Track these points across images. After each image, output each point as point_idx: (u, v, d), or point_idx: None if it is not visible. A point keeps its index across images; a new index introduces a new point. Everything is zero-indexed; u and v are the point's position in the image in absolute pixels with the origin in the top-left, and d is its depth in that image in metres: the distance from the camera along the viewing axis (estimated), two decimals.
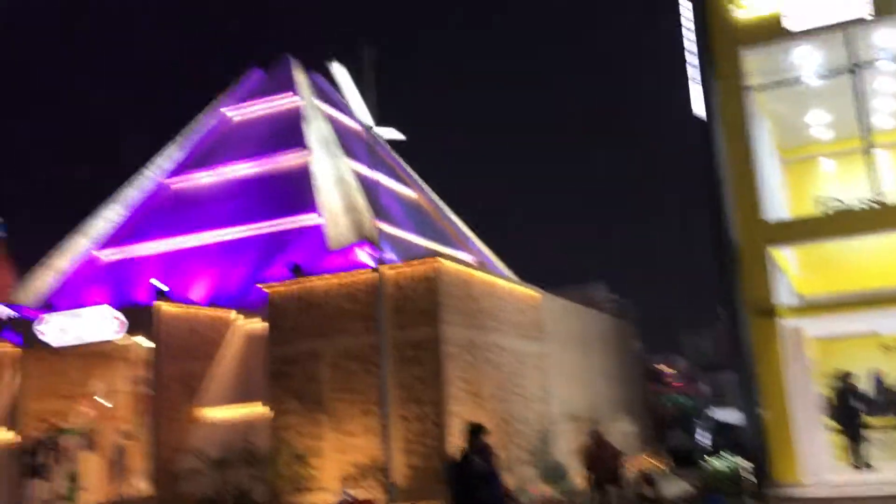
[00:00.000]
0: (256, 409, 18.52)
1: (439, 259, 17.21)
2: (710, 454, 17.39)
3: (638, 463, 20.50)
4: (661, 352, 51.30)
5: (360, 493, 15.34)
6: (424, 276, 17.04)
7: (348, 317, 17.50)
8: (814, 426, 15.72)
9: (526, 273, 31.90)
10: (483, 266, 29.13)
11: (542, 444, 20.48)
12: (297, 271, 18.75)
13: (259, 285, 18.78)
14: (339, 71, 13.18)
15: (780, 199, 22.07)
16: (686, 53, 17.31)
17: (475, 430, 8.66)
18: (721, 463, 15.74)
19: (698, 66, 16.87)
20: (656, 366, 46.87)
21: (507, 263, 30.54)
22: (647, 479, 16.02)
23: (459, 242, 29.67)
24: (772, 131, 21.34)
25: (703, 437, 31.15)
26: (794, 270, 19.70)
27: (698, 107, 16.81)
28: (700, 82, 16.81)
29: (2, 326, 25.19)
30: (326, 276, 18.07)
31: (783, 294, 19.15)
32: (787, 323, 16.15)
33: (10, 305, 24.59)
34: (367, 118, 13.99)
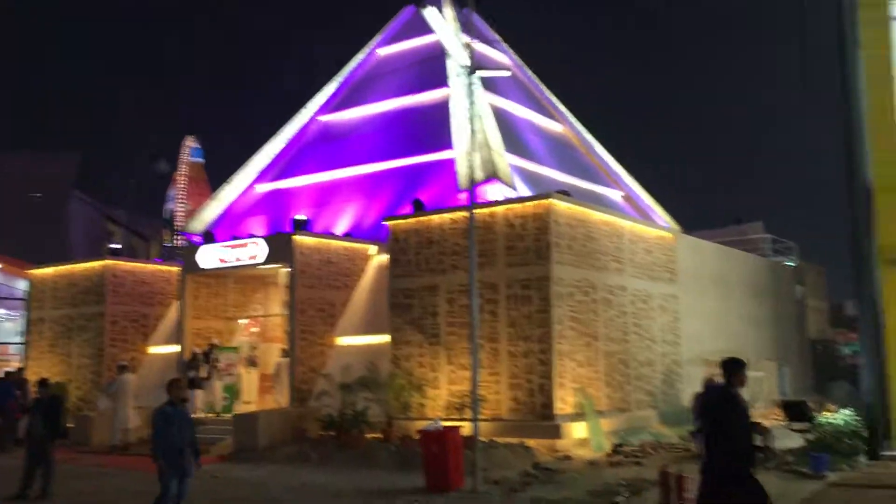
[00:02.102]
0: (384, 339, 19.51)
1: (552, 197, 17.12)
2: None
3: (761, 415, 19.67)
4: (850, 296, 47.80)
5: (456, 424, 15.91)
6: (536, 214, 17.07)
7: (464, 253, 17.89)
8: None
9: (680, 211, 30.92)
10: (630, 202, 28.52)
11: (667, 386, 20.17)
12: (419, 206, 19.33)
13: (383, 220, 19.55)
14: (431, 13, 13.24)
15: None
16: None
17: (736, 365, 7.51)
18: (840, 419, 14.87)
19: None
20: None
21: (660, 200, 29.61)
22: (759, 429, 15.39)
23: (608, 178, 29.11)
24: None
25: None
26: None
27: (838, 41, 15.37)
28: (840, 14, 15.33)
29: (176, 253, 27.95)
30: (444, 212, 18.51)
31: None
32: None
33: (181, 233, 27.16)
34: (466, 59, 13.98)
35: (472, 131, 14.61)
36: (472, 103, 13.76)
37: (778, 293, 26.98)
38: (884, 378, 14.33)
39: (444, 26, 13.83)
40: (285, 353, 21.38)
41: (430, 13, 13.42)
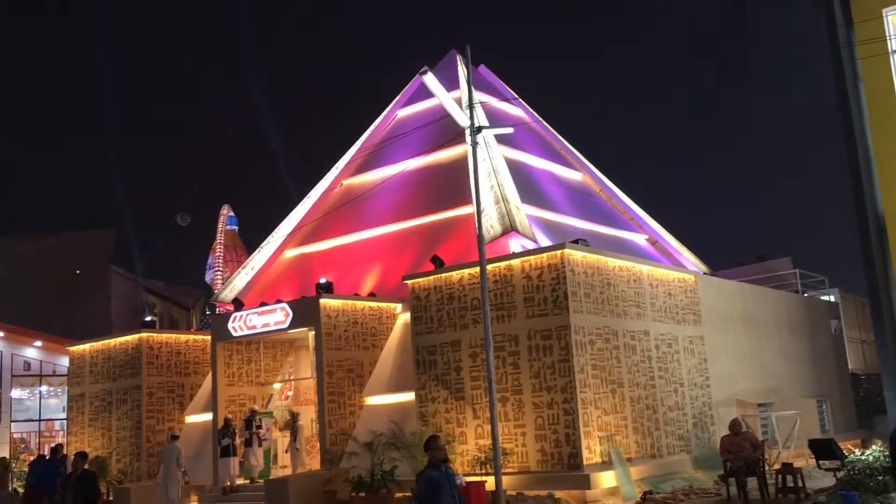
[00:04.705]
0: (412, 396, 19.65)
1: (566, 247, 17.29)
2: None
3: (790, 455, 19.29)
4: None
5: (482, 478, 15.95)
6: (552, 265, 17.24)
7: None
8: None
9: (707, 251, 30.78)
10: (655, 245, 28.52)
11: (699, 430, 19.93)
12: (438, 263, 19.62)
13: (403, 278, 19.86)
14: (430, 80, 13.69)
15: None
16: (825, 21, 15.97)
17: None
18: (870, 455, 14.63)
19: (837, 33, 15.53)
20: None
21: (685, 242, 29.58)
22: (790, 470, 15.22)
23: (632, 223, 29.18)
24: None
25: None
26: None
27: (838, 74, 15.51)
28: (839, 48, 15.49)
29: (206, 322, 28.51)
30: (463, 267, 18.76)
31: None
32: None
33: (213, 302, 27.77)
34: (469, 120, 14.42)
35: (489, 186, 14.87)
36: (477, 160, 14.12)
37: (813, 328, 26.58)
38: None
39: (442, 92, 14.25)
40: (293, 416, 21.60)
41: (429, 79, 13.88)
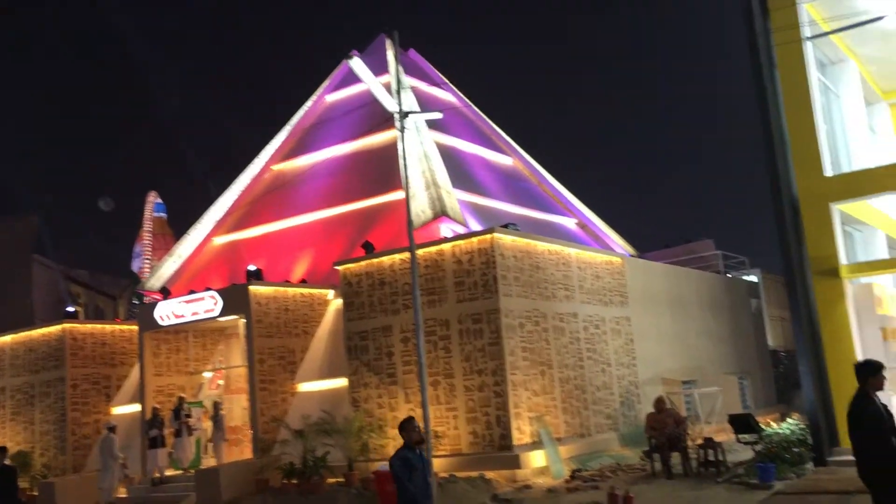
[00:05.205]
0: (344, 382, 19.64)
1: (495, 231, 17.46)
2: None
3: (714, 430, 19.96)
4: None
5: None
6: (482, 249, 17.40)
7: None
8: None
9: (634, 234, 31.47)
10: (584, 228, 28.99)
11: (626, 408, 20.44)
12: (369, 248, 19.61)
13: (334, 265, 19.79)
14: (357, 64, 13.62)
15: (883, 144, 20.69)
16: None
17: (867, 368, 7.19)
18: (786, 428, 15.24)
19: (753, 18, 15.97)
20: None
21: (613, 226, 30.15)
22: (711, 444, 15.74)
23: (562, 207, 29.59)
24: (868, 76, 19.99)
25: None
26: None
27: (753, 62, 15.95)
28: (756, 36, 15.93)
29: (133, 312, 27.92)
30: (394, 252, 18.79)
31: (878, 248, 18.12)
32: (859, 281, 15.31)
33: (140, 291, 27.20)
34: (395, 104, 14.41)
35: (420, 171, 14.92)
36: (406, 145, 14.15)
37: (735, 307, 27.44)
38: (825, 385, 14.70)
39: (369, 76, 14.20)
40: (215, 406, 21.36)
41: (356, 63, 13.81)
